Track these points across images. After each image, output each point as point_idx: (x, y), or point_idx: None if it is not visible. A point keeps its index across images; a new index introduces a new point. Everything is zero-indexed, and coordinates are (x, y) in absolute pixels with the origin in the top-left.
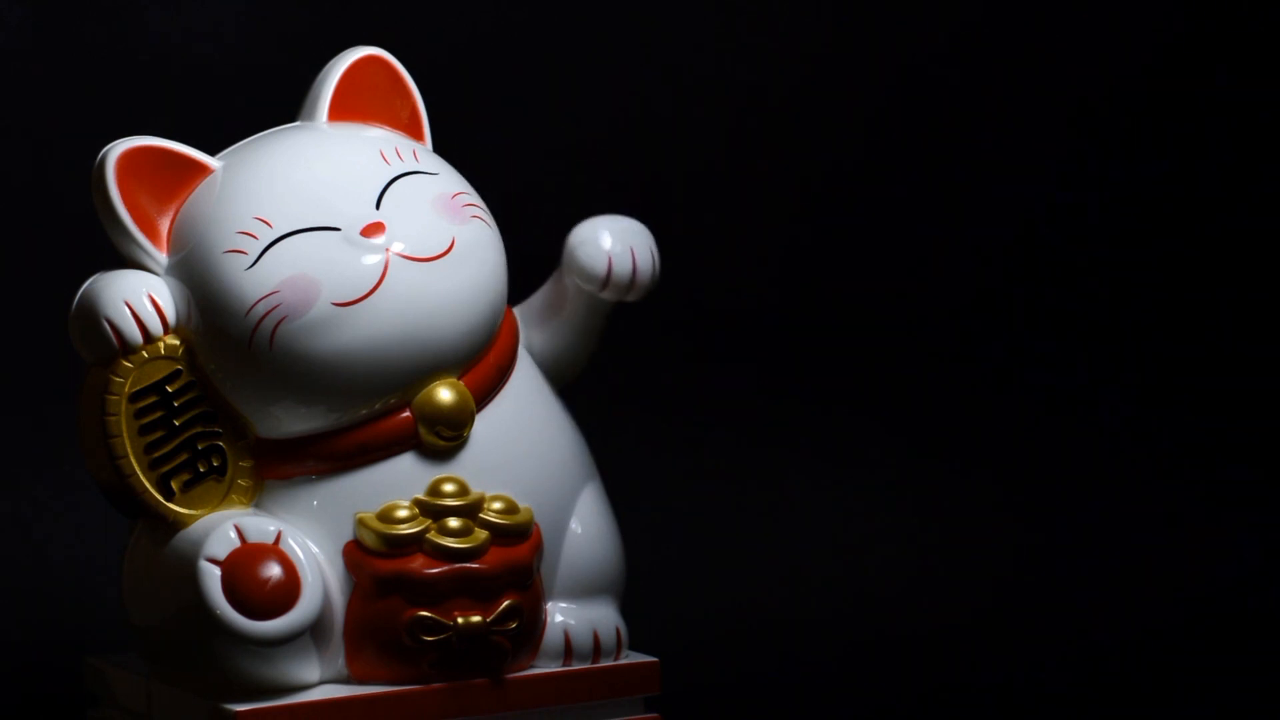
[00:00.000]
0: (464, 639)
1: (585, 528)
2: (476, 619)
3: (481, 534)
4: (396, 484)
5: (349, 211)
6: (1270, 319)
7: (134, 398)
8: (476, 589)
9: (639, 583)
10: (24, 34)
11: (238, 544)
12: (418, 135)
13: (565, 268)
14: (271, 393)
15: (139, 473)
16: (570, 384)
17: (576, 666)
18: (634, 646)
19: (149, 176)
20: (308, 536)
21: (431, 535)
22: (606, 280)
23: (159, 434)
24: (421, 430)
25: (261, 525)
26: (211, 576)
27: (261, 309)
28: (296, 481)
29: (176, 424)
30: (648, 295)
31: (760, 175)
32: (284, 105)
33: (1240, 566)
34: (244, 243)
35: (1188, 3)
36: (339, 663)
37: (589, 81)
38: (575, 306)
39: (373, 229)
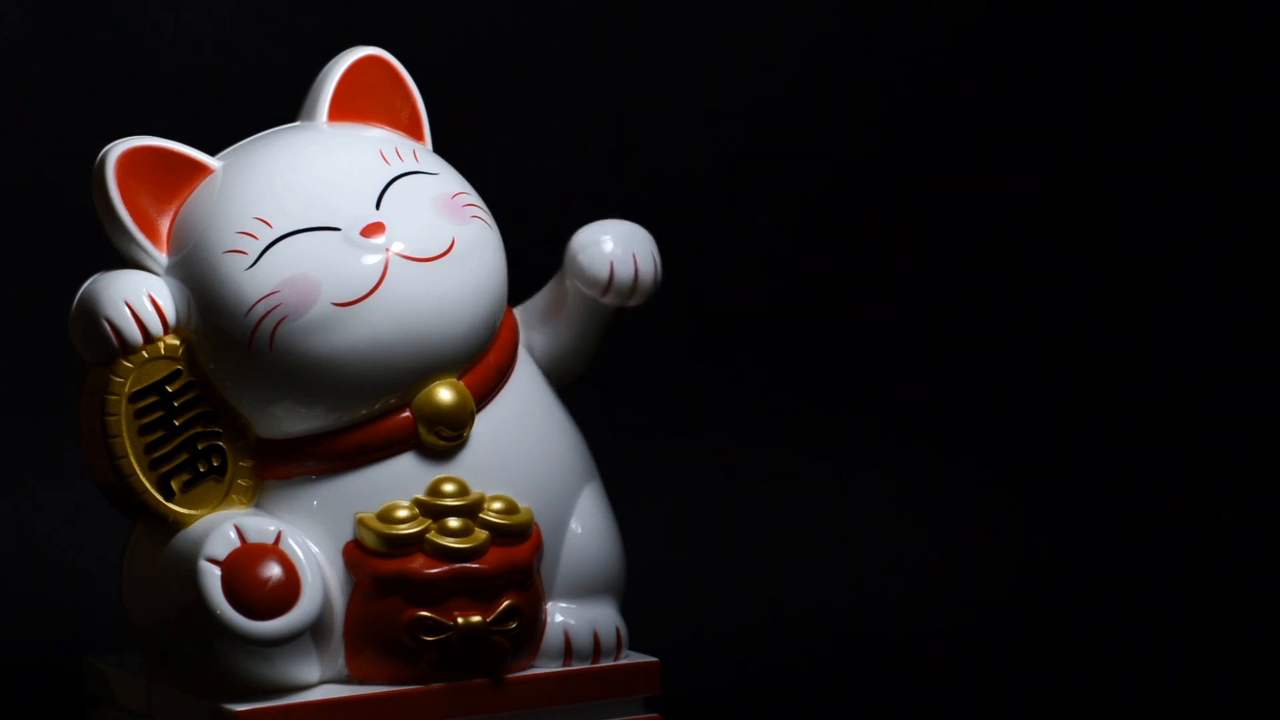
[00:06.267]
0: (464, 639)
1: (585, 528)
2: (476, 619)
3: (481, 534)
4: (396, 484)
5: (349, 211)
6: (1271, 319)
7: (134, 398)
8: (476, 589)
9: (639, 583)
10: (24, 34)
11: (238, 544)
12: (418, 135)
13: (567, 271)
14: (271, 393)
15: (139, 473)
16: (570, 385)
17: (576, 666)
18: (634, 646)
19: (149, 176)
20: (308, 536)
21: (431, 535)
22: (608, 286)
23: (159, 434)
24: (421, 430)
25: (261, 525)
26: (211, 576)
27: (261, 309)
28: (296, 481)
29: (176, 424)
30: (649, 300)
31: (761, 176)
32: (284, 105)
33: (1239, 566)
34: (244, 243)
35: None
36: (339, 663)
37: (589, 81)
38: (576, 309)
39: (373, 229)
